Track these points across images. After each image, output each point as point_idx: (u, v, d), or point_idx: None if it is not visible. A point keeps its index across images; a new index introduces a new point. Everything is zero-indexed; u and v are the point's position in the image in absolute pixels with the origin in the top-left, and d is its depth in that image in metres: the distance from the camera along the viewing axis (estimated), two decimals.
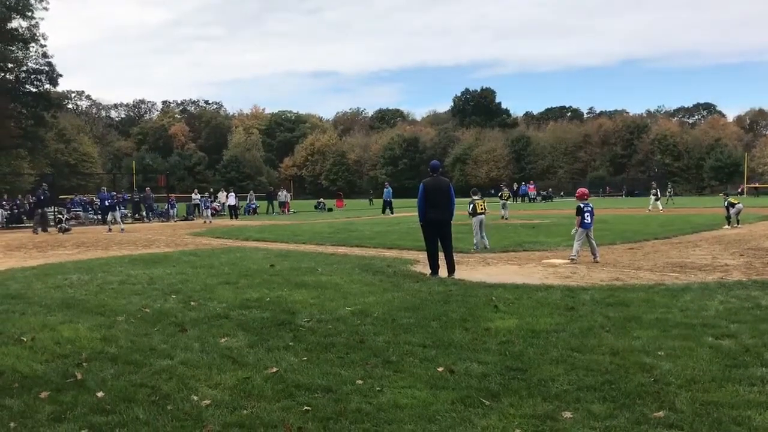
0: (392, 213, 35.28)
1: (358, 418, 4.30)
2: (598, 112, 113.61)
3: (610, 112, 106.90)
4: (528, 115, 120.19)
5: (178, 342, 6.35)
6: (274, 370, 5.38)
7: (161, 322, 7.24)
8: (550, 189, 65.88)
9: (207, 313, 7.69)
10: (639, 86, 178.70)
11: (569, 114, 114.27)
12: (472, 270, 11.44)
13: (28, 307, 8.32)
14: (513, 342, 6.14)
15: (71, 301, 8.70)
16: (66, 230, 24.76)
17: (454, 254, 10.94)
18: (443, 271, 10.57)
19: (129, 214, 34.50)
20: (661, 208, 33.14)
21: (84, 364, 5.62)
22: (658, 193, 34.96)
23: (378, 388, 4.88)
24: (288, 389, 4.91)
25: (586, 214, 12.55)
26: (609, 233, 17.70)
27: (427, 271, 10.82)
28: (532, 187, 58.34)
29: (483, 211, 14.82)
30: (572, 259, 12.34)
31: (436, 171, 10.87)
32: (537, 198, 57.07)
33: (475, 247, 14.32)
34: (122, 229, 25.14)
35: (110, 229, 25.18)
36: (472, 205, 14.93)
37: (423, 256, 13.19)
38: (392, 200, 37.23)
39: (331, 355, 5.80)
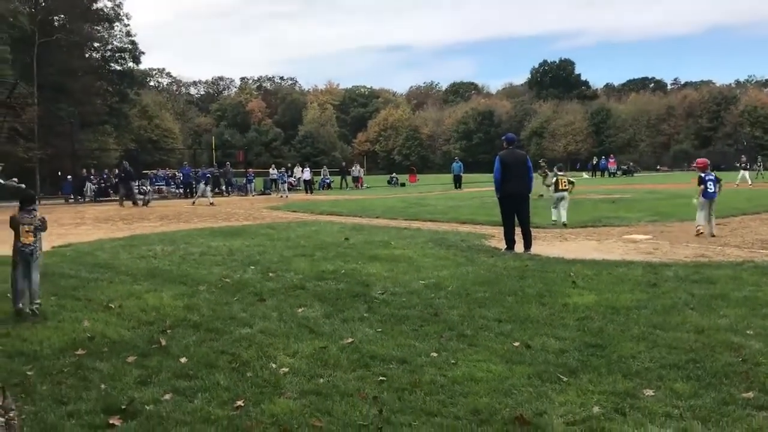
0: (460, 188, 35.02)
1: (432, 390, 4.31)
2: (682, 83, 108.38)
3: (695, 82, 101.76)
4: (608, 87, 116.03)
5: (256, 311, 6.51)
6: (350, 340, 5.44)
7: (240, 292, 7.44)
8: (631, 163, 63.61)
9: (284, 284, 7.85)
10: (727, 55, 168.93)
11: (652, 85, 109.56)
12: (549, 245, 11.20)
13: (115, 275, 8.71)
14: (592, 318, 5.99)
15: (155, 270, 9.05)
16: (147, 202, 25.72)
17: (531, 229, 10.70)
18: (519, 247, 10.37)
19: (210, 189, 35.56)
20: (750, 182, 31.48)
21: (168, 330, 5.84)
22: (748, 167, 33.21)
23: (453, 361, 4.86)
24: (363, 359, 4.96)
25: (709, 183, 12.20)
26: (694, 209, 16.96)
27: (502, 246, 10.64)
28: (612, 161, 56.42)
29: (565, 188, 14.42)
30: (698, 230, 12.00)
31: (512, 143, 10.66)
32: (617, 172, 55.25)
33: (553, 222, 13.99)
34: (211, 203, 25.91)
35: (194, 203, 26.03)
36: (555, 179, 14.77)
37: (498, 230, 13.04)
38: (462, 175, 36.96)
39: (406, 327, 5.82)
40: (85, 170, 33.56)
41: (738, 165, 35.12)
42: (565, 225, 13.92)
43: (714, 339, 5.26)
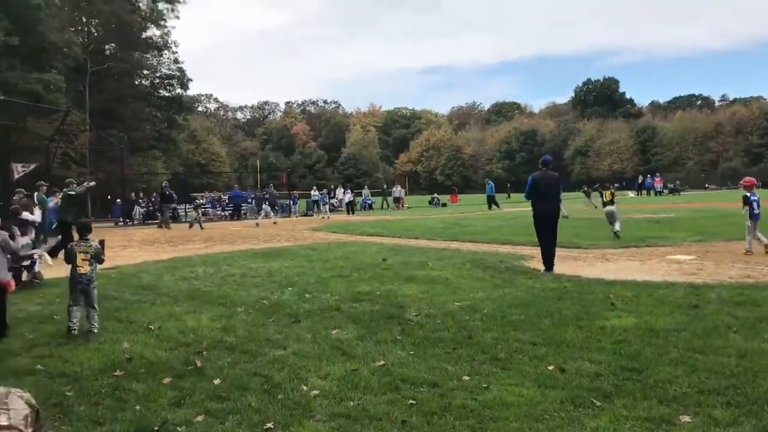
0: (498, 207, 34.77)
1: (462, 414, 4.27)
2: (731, 99, 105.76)
3: (745, 98, 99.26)
4: (654, 105, 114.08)
5: (291, 333, 6.57)
6: (382, 363, 5.44)
7: (277, 314, 7.52)
8: (678, 181, 62.22)
9: (320, 305, 7.91)
10: None
11: (699, 102, 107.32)
12: (589, 266, 11.02)
13: (157, 297, 8.90)
14: (629, 341, 5.87)
15: (196, 292, 9.22)
16: (193, 224, 26.23)
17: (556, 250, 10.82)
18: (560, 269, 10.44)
19: (254, 210, 36.10)
20: None
21: (204, 352, 5.94)
22: None
23: (484, 385, 4.82)
24: (394, 382, 4.95)
25: (754, 204, 12.10)
26: (742, 228, 16.50)
27: (542, 267, 10.56)
28: (658, 179, 55.34)
29: (611, 199, 15.71)
30: (747, 251, 12.00)
31: (547, 165, 10.96)
32: (663, 191, 54.11)
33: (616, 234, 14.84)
34: (274, 222, 26.81)
35: (258, 224, 26.65)
36: (600, 194, 16.30)
37: (538, 251, 12.91)
38: (494, 195, 36.85)
39: (438, 350, 5.79)
40: (133, 194, 34.42)
41: None
42: (617, 235, 14.60)
43: (757, 364, 5.09)
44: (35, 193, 15.75)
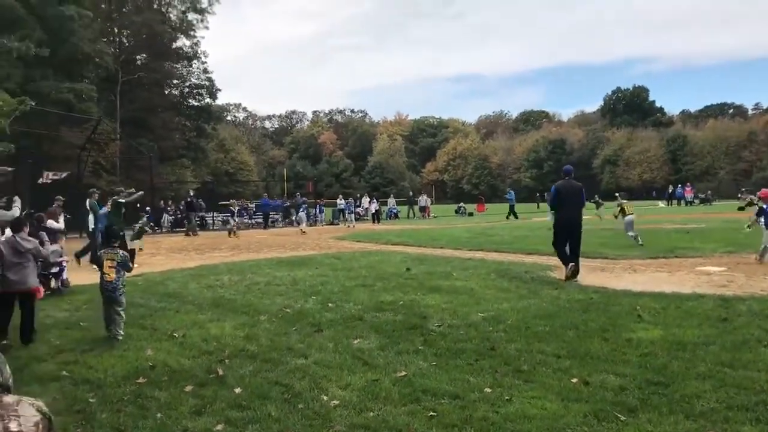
0: (516, 218, 34.48)
1: (483, 427, 4.22)
2: (765, 107, 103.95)
3: None
4: (684, 113, 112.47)
5: (313, 342, 6.56)
6: (403, 373, 5.41)
7: (300, 322, 7.53)
8: (709, 191, 61.14)
9: (343, 315, 7.89)
10: None
11: (731, 111, 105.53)
12: (616, 277, 10.85)
13: (182, 305, 8.97)
14: (656, 354, 5.76)
15: (221, 300, 9.28)
16: (232, 232, 26.16)
17: (580, 258, 11.05)
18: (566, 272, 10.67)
19: (280, 219, 36.34)
20: None
21: (226, 360, 5.96)
22: None
23: (506, 397, 4.76)
24: (415, 393, 4.91)
25: None
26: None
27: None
28: (689, 189, 54.48)
29: (631, 212, 16.46)
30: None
31: (569, 175, 11.38)
32: (694, 201, 53.23)
33: (636, 240, 15.44)
34: (303, 231, 27.06)
35: (304, 231, 27.23)
36: (620, 206, 16.62)
37: None
38: (515, 204, 36.63)
39: (461, 361, 5.73)
40: (162, 202, 34.85)
41: None
42: (641, 244, 15.09)
43: None
44: (87, 200, 15.87)
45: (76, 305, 9.34)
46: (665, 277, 10.77)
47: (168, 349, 6.48)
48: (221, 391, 5.10)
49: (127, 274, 7.64)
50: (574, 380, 5.11)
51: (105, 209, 15.59)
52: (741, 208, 20.66)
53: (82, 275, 12.09)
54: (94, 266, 13.66)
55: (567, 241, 10.83)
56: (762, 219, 12.37)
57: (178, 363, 5.97)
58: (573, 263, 10.60)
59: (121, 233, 13.77)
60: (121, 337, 6.97)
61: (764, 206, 12.48)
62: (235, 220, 28.10)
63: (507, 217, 35.03)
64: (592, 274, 11.33)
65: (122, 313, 7.23)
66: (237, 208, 32.96)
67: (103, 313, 7.27)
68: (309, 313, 8.08)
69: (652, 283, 9.92)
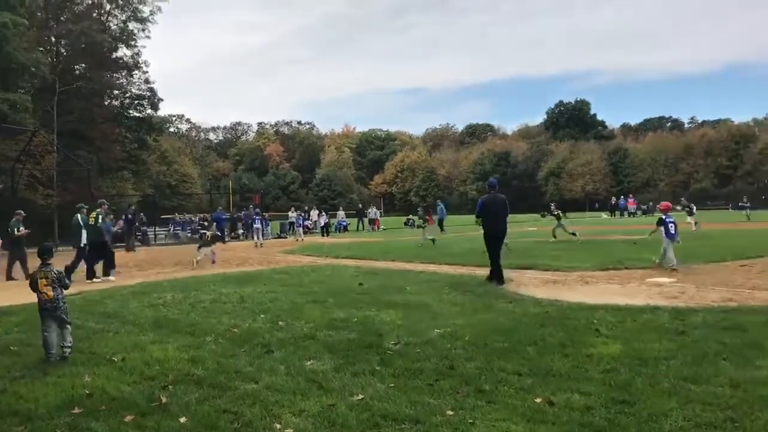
0: (442, 230, 34.42)
1: None
2: (700, 121, 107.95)
3: (713, 121, 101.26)
4: (625, 127, 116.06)
5: (263, 364, 6.20)
6: (360, 397, 5.12)
7: (248, 343, 7.15)
8: (651, 203, 62.80)
9: (294, 334, 7.55)
10: (744, 93, 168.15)
11: (669, 124, 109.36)
12: (569, 289, 10.81)
13: (122, 326, 8.47)
14: (618, 370, 5.62)
15: (163, 320, 8.80)
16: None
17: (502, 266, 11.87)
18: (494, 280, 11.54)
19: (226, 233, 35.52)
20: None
21: (170, 386, 5.55)
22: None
23: (470, 421, 4.53)
24: (374, 419, 4.64)
25: (669, 225, 13.49)
26: (718, 249, 16.51)
27: (520, 290, 10.48)
28: (631, 200, 55.91)
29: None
30: (673, 268, 12.74)
31: (494, 188, 12.00)
32: (637, 212, 54.60)
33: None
34: (260, 245, 26.56)
35: (261, 245, 26.96)
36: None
37: (515, 274, 12.82)
38: (444, 218, 36.89)
39: (420, 382, 5.48)
40: None
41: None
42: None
43: (752, 394, 4.88)
44: (78, 215, 15.68)
45: (6, 327, 8.70)
46: (617, 289, 10.79)
47: (107, 375, 6.02)
48: (165, 421, 4.71)
49: (64, 292, 7.18)
50: (539, 400, 4.91)
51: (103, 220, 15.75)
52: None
53: (8, 294, 11.39)
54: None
55: (496, 248, 11.68)
56: (662, 228, 13.57)
57: (118, 390, 5.53)
58: (491, 271, 11.64)
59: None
60: (69, 351, 6.71)
61: (663, 217, 13.74)
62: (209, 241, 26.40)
63: (442, 230, 34.94)
64: (545, 286, 11.28)
65: (69, 323, 6.90)
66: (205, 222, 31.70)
67: (41, 336, 6.80)
68: (258, 332, 7.70)
69: (606, 296, 9.89)
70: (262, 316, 8.87)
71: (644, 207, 57.78)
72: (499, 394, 5.12)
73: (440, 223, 35.70)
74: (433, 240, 22.45)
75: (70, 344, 6.79)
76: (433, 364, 6.00)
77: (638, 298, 9.56)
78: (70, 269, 14.20)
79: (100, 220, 15.57)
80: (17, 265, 15.83)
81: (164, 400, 5.18)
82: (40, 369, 6.32)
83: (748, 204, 41.35)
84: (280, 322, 8.29)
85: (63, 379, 5.93)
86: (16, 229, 15.88)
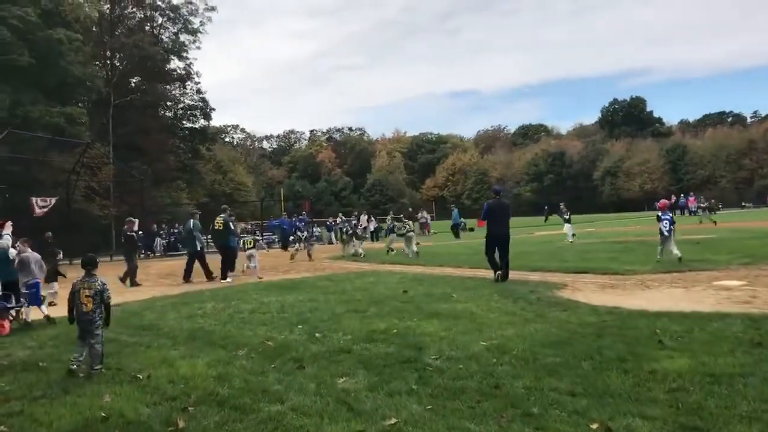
0: (458, 237, 33.43)
1: None
2: (764, 115, 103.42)
3: None
4: (683, 123, 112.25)
5: (293, 382, 5.76)
6: (393, 421, 4.61)
7: (281, 357, 6.73)
8: (713, 200, 60.26)
9: (329, 347, 7.10)
10: None
11: (730, 119, 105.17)
12: (629, 295, 10.05)
13: (155, 339, 8.18)
14: (687, 389, 4.96)
15: (198, 332, 8.48)
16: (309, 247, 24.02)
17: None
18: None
19: (276, 240, 35.49)
20: None
21: (190, 408, 5.16)
22: None
23: None
24: None
25: (664, 222, 14.46)
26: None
27: (575, 296, 9.88)
28: (692, 198, 53.58)
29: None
30: (679, 258, 13.69)
31: (499, 194, 13.45)
32: (698, 211, 52.35)
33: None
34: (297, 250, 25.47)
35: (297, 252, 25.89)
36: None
37: (570, 279, 12.15)
38: (459, 223, 35.96)
39: (460, 404, 4.93)
40: (155, 226, 34.04)
41: None
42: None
43: None
44: (191, 221, 16.67)
45: (42, 341, 8.54)
46: (681, 293, 9.97)
47: (128, 394, 5.69)
48: None
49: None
50: (594, 426, 4.31)
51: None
52: None
53: (54, 308, 11.30)
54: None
55: (496, 250, 12.64)
56: (660, 225, 14.56)
57: (136, 412, 5.17)
58: (501, 270, 12.36)
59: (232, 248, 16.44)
60: (99, 369, 6.49)
61: (660, 214, 14.82)
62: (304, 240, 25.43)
63: (457, 236, 34.08)
64: (601, 291, 10.55)
65: (98, 347, 6.62)
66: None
67: (77, 349, 6.60)
68: (292, 346, 7.27)
69: (669, 301, 9.12)
70: (299, 327, 8.46)
71: (705, 205, 55.37)
72: (549, 418, 4.53)
73: (454, 229, 34.85)
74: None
75: (99, 367, 6.55)
76: (476, 383, 5.44)
77: (705, 304, 8.76)
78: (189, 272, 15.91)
79: (231, 226, 16.61)
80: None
81: (181, 424, 4.79)
82: (62, 387, 6.04)
83: None
84: (317, 334, 7.86)
85: (82, 399, 5.62)
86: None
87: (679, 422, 4.30)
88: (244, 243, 17.58)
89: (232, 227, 16.73)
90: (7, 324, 9.44)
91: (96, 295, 6.67)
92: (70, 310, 6.73)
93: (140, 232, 33.24)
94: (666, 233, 14.37)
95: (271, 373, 6.13)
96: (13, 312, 10.03)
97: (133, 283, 16.07)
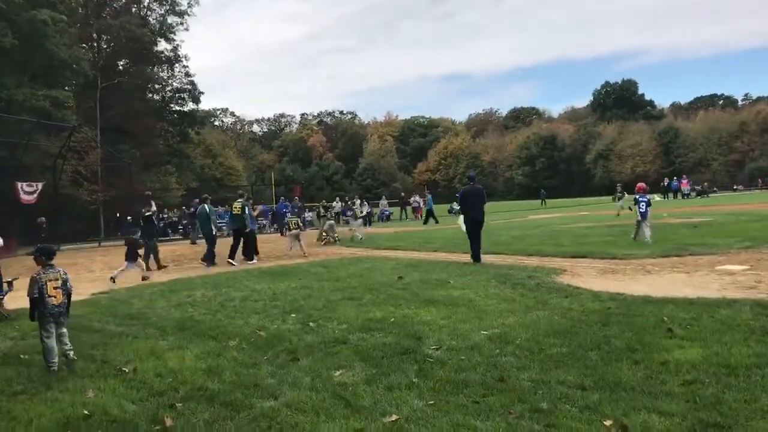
0: (437, 222, 33.20)
1: None
2: (755, 97, 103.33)
3: None
4: (675, 106, 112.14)
5: (286, 376, 5.47)
6: (393, 418, 4.33)
7: (274, 348, 6.44)
8: (705, 183, 60.24)
9: (324, 337, 6.81)
10: None
11: (721, 102, 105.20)
12: (631, 280, 9.80)
13: (143, 329, 7.88)
14: (702, 382, 4.70)
15: (188, 322, 8.18)
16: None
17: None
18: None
19: (268, 225, 35.06)
20: None
21: (178, 405, 4.86)
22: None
23: None
24: None
25: (641, 204, 15.11)
26: None
27: (572, 281, 9.68)
28: (685, 181, 53.48)
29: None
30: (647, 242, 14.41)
31: (473, 181, 14.08)
32: (691, 194, 52.34)
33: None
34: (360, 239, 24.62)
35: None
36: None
37: (569, 264, 11.93)
38: (433, 209, 35.41)
39: (464, 398, 4.66)
40: (143, 211, 33.50)
41: None
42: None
43: None
44: (205, 206, 16.79)
45: (25, 332, 8.20)
46: (684, 278, 9.74)
47: (113, 389, 5.39)
48: None
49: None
50: (608, 422, 4.04)
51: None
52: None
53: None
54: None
55: (476, 231, 13.17)
56: (638, 207, 15.23)
57: (121, 409, 4.87)
58: (473, 252, 13.02)
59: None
60: (73, 353, 6.21)
61: (637, 197, 15.60)
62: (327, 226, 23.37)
63: (425, 222, 33.84)
64: (602, 277, 10.32)
65: (67, 336, 6.31)
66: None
67: (42, 344, 6.24)
68: (285, 336, 6.98)
69: (673, 287, 8.87)
70: (292, 315, 8.18)
71: (698, 188, 55.37)
72: (559, 414, 4.26)
73: (429, 214, 34.57)
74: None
75: (71, 347, 6.24)
76: (480, 375, 5.17)
77: (710, 290, 8.53)
78: (209, 258, 15.96)
79: (246, 210, 16.86)
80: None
81: (169, 422, 4.49)
82: (44, 382, 5.73)
83: None
84: (311, 323, 7.57)
85: (64, 395, 5.32)
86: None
87: (698, 418, 4.04)
88: (289, 224, 18.84)
89: (248, 211, 17.05)
90: None
91: (63, 285, 6.37)
92: (34, 307, 6.27)
93: (129, 218, 32.96)
94: (641, 215, 15.00)
95: (263, 366, 5.84)
96: None
97: (159, 266, 16.04)
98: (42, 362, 6.24)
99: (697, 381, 4.73)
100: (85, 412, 4.84)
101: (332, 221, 23.36)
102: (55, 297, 6.28)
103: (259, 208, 27.43)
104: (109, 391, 5.35)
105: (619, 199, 29.78)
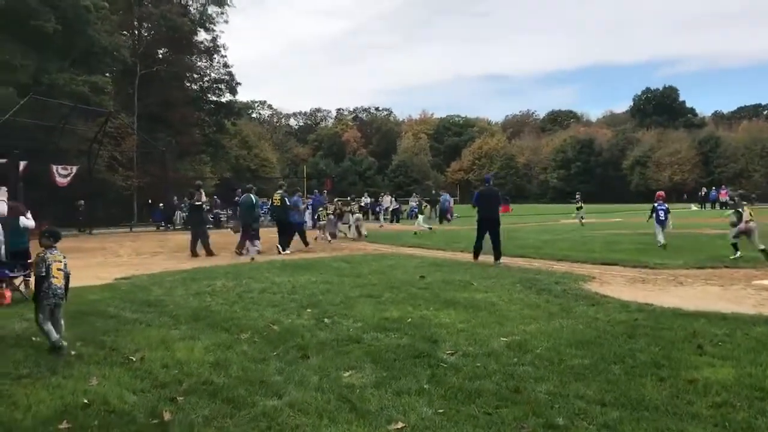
0: (449, 221, 32.64)
1: None
2: None
3: None
4: (717, 115, 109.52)
5: (294, 373, 5.29)
6: (399, 426, 4.12)
7: (285, 344, 6.28)
8: (742, 191, 58.52)
9: (338, 335, 6.62)
10: None
11: (766, 112, 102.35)
12: (661, 291, 9.42)
13: (157, 317, 7.78)
14: (733, 405, 4.39)
15: (203, 312, 8.06)
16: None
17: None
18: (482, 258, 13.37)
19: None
20: None
21: (179, 398, 4.71)
22: None
23: None
24: None
25: (660, 212, 15.41)
26: None
27: (604, 290, 9.26)
28: (723, 192, 52.07)
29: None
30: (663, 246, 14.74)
31: (488, 182, 14.72)
32: (730, 204, 50.96)
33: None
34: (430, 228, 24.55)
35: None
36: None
37: (598, 271, 11.58)
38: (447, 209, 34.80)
39: (475, 409, 4.42)
40: (176, 198, 33.76)
41: None
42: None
43: None
44: (249, 195, 16.58)
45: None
46: (718, 292, 9.33)
47: (117, 378, 5.27)
48: None
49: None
50: None
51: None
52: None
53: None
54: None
55: (485, 235, 13.51)
56: (655, 215, 15.54)
57: (121, 400, 4.74)
58: (494, 252, 13.23)
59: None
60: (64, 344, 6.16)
61: (655, 204, 15.75)
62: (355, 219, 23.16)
63: (440, 222, 33.37)
64: (632, 286, 9.94)
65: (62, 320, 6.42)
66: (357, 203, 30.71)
67: (39, 325, 6.27)
68: (298, 331, 6.81)
69: (706, 301, 8.49)
70: (308, 310, 8.01)
71: (737, 199, 53.78)
72: (575, 431, 4.00)
73: (443, 214, 34.10)
74: (430, 228, 23.52)
75: (64, 335, 6.34)
76: (495, 385, 4.92)
77: (745, 305, 8.13)
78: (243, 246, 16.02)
79: (287, 201, 17.26)
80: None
81: (166, 417, 4.34)
82: (50, 367, 5.64)
83: None
84: (326, 319, 7.39)
85: (68, 381, 5.22)
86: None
87: None
88: (351, 212, 19.99)
89: (288, 203, 17.36)
90: (8, 294, 9.11)
91: (64, 268, 6.46)
92: (40, 287, 6.29)
93: (161, 205, 33.27)
94: (660, 221, 15.31)
95: (272, 362, 5.67)
96: (18, 282, 9.72)
97: (209, 252, 16.19)
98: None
99: (727, 404, 4.42)
100: (85, 401, 4.73)
101: (359, 214, 23.08)
102: (57, 278, 6.36)
103: (309, 200, 26.62)
104: (113, 380, 5.24)
105: (578, 209, 29.01)
